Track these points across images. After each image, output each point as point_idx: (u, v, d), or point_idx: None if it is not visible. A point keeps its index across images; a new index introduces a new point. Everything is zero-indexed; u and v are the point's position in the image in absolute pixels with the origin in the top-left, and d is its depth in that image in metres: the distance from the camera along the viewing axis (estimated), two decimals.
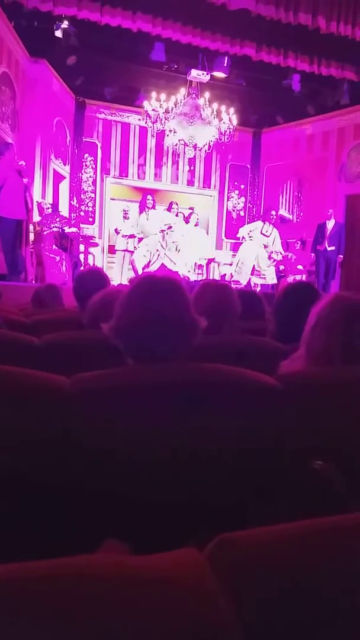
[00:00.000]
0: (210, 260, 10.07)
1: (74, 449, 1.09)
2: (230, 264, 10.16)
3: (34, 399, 1.12)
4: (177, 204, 10.12)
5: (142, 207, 9.83)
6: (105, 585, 0.45)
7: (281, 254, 9.84)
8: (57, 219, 8.82)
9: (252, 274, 9.68)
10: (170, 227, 9.41)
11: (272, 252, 9.67)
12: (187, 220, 10.04)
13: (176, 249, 9.62)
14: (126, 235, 9.70)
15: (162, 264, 9.38)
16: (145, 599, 0.45)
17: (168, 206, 10.01)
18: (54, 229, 8.57)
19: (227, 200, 11.71)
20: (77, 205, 10.49)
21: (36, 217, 8.42)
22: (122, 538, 1.00)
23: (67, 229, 8.94)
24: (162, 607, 0.45)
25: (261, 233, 9.82)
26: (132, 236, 9.70)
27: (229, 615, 0.45)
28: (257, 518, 1.12)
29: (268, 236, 9.77)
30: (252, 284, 9.53)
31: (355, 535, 0.54)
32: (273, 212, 10.06)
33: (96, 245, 10.22)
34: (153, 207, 9.76)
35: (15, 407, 1.10)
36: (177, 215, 9.99)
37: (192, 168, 11.37)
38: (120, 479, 1.12)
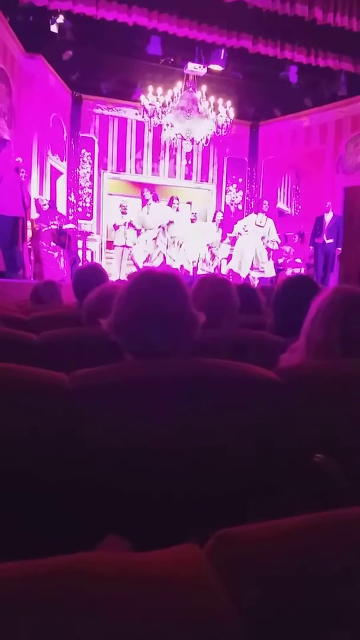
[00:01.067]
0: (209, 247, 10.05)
1: (74, 445, 1.09)
2: (228, 258, 10.13)
3: (33, 396, 1.12)
4: (177, 198, 10.09)
5: (144, 201, 9.82)
6: (106, 582, 0.45)
7: (277, 242, 9.81)
8: (56, 217, 8.80)
9: (251, 268, 9.66)
10: (170, 223, 9.39)
11: (268, 242, 9.65)
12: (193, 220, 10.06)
13: (176, 244, 9.59)
14: (125, 224, 9.61)
15: (164, 261, 9.38)
16: (146, 595, 0.45)
17: (169, 201, 9.98)
18: (53, 227, 8.56)
19: (225, 193, 11.69)
20: (75, 201, 10.47)
21: (34, 214, 8.40)
22: (124, 534, 1.00)
23: (64, 226, 8.92)
24: (163, 603, 0.45)
25: (256, 224, 9.79)
26: (130, 224, 9.61)
27: (229, 610, 0.45)
28: (258, 513, 1.12)
29: (263, 226, 9.74)
30: (251, 278, 9.51)
31: (355, 529, 0.54)
32: (266, 202, 10.01)
33: (89, 233, 10.19)
34: (155, 199, 9.72)
35: (15, 405, 1.10)
36: (177, 210, 9.96)
37: (189, 162, 11.34)
38: (121, 475, 1.12)
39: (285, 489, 1.14)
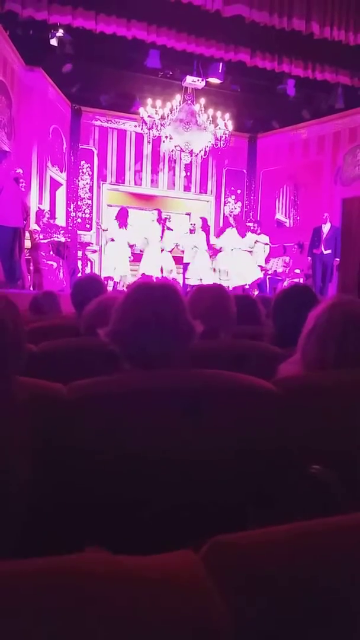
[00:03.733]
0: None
1: (72, 457, 1.09)
2: None
3: (30, 407, 1.12)
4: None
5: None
6: (101, 584, 0.46)
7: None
8: (61, 231, 8.83)
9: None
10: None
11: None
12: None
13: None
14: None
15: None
16: (141, 597, 0.45)
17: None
18: (55, 239, 8.58)
19: (224, 205, 11.73)
20: (74, 212, 10.50)
21: (33, 225, 8.42)
22: (121, 545, 0.99)
23: (59, 238, 8.93)
24: (156, 606, 0.45)
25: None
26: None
27: (223, 614, 0.46)
28: (257, 524, 1.12)
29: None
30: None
31: (348, 536, 0.54)
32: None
33: (94, 251, 10.24)
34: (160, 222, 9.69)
35: (12, 416, 1.09)
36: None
37: (188, 174, 11.40)
38: (119, 486, 1.12)
39: (283, 500, 1.14)
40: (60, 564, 0.48)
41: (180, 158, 10.27)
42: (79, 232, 10.27)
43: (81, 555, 0.50)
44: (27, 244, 8.17)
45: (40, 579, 0.45)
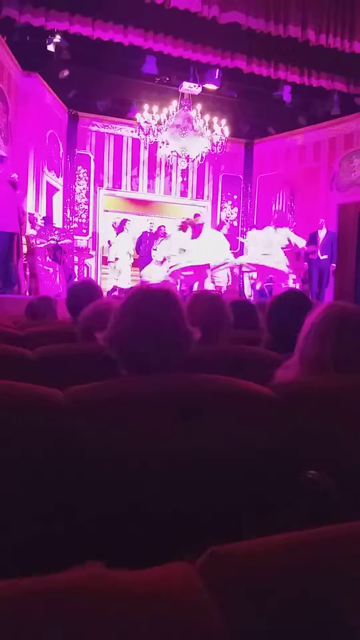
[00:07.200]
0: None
1: (69, 462, 1.08)
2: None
3: (27, 413, 1.11)
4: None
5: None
6: (95, 600, 0.45)
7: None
8: (55, 232, 8.83)
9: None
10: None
11: None
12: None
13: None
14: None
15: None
16: (137, 611, 0.45)
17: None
18: (52, 242, 8.58)
19: (221, 210, 11.76)
20: (71, 217, 10.51)
21: (29, 230, 8.42)
22: (116, 553, 0.99)
23: (60, 241, 8.94)
24: (154, 619, 0.44)
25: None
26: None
27: (220, 627, 0.45)
28: (253, 530, 1.11)
29: None
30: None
31: (346, 545, 0.54)
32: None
33: (90, 256, 10.26)
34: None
35: (8, 422, 1.09)
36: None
37: (185, 179, 11.43)
38: (116, 492, 1.11)
39: (279, 505, 1.13)
40: (54, 582, 0.47)
41: (177, 163, 10.31)
42: (75, 237, 10.28)
43: (74, 571, 0.49)
44: (24, 248, 8.16)
45: (34, 597, 0.45)
